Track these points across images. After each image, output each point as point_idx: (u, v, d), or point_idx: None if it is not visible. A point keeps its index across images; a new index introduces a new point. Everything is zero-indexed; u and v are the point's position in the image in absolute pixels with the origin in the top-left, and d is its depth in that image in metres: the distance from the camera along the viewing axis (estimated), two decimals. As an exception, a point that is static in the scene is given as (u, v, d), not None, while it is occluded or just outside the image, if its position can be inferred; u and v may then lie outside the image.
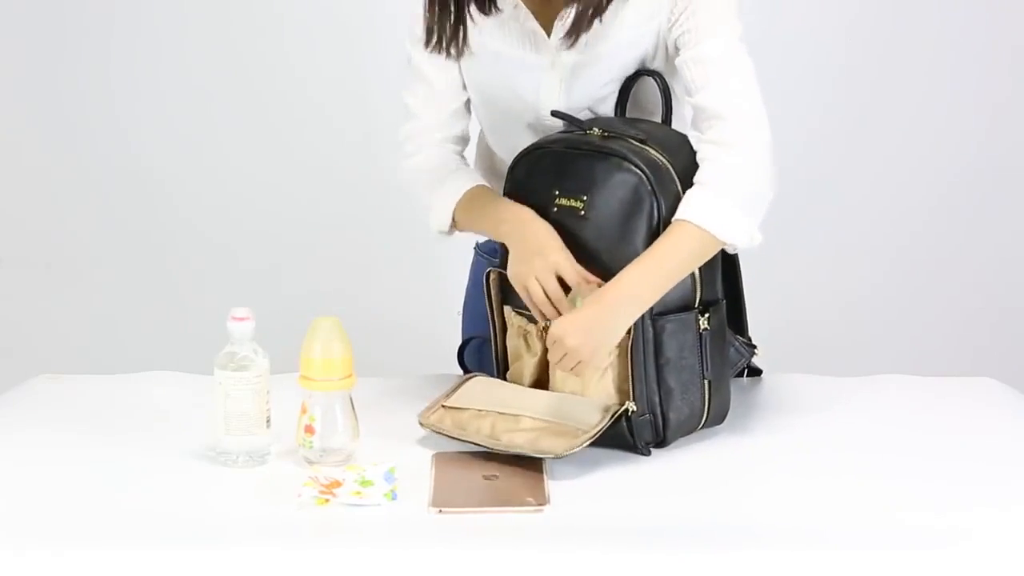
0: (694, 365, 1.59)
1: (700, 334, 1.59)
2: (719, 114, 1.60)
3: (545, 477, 1.49)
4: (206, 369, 1.90)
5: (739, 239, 1.57)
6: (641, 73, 1.69)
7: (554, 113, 1.68)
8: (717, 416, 1.64)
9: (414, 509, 1.42)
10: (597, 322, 1.52)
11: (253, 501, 1.46)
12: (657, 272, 1.54)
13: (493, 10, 1.68)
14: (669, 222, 1.56)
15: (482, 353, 1.78)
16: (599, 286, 1.54)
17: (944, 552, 1.33)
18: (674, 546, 1.34)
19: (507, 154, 1.81)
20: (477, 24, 1.70)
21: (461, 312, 2.01)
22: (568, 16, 1.64)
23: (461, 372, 1.89)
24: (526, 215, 1.62)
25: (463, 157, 1.83)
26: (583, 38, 1.65)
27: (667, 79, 1.69)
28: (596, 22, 1.63)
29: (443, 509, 1.42)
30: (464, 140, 1.83)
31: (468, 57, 1.73)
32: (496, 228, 1.67)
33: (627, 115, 1.72)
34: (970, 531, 1.37)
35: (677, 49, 1.66)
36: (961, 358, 3.12)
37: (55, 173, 3.37)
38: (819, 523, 1.39)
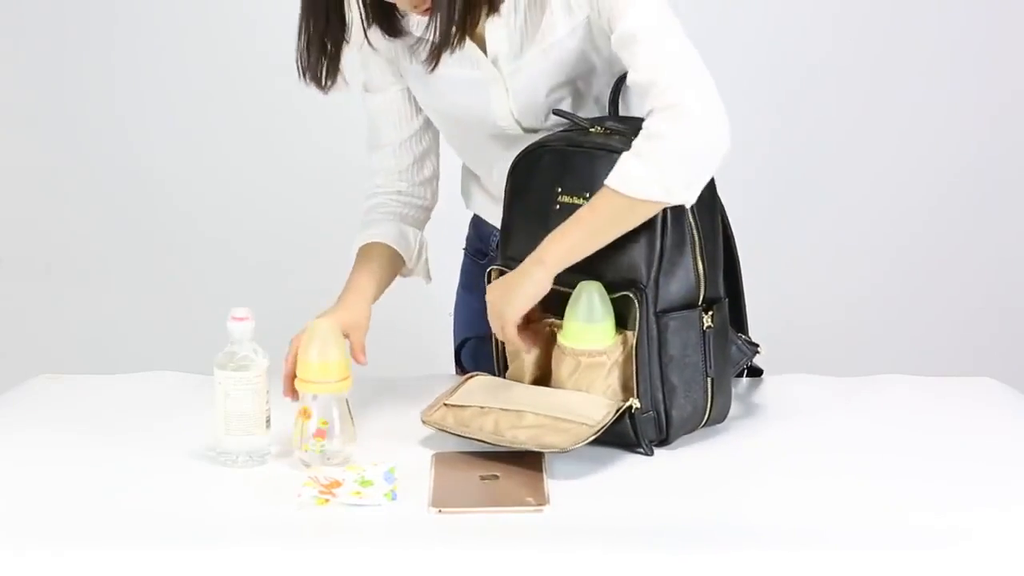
0: (697, 363, 1.59)
1: (704, 332, 1.59)
2: (652, 82, 1.56)
3: (545, 477, 1.49)
4: (206, 369, 1.90)
5: (656, 194, 1.53)
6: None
7: (556, 112, 1.68)
8: (719, 414, 1.63)
9: (414, 509, 1.42)
10: (508, 283, 1.60)
11: (253, 501, 1.46)
12: (568, 237, 1.56)
13: (402, 35, 1.70)
14: (669, 217, 1.56)
15: (479, 353, 1.78)
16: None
17: (945, 552, 1.33)
18: (675, 546, 1.34)
19: (477, 166, 1.85)
20: (404, 49, 1.73)
21: (453, 313, 2.02)
22: (497, 25, 1.66)
23: (456, 372, 1.89)
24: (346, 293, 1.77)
25: (418, 210, 1.87)
26: (517, 45, 1.67)
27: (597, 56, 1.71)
28: (528, 25, 1.66)
29: (443, 509, 1.41)
30: (425, 198, 1.88)
31: (412, 82, 1.77)
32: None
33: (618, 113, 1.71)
34: (970, 531, 1.37)
35: (612, 31, 1.63)
36: (961, 358, 3.12)
37: (55, 174, 3.37)
38: (819, 523, 1.39)
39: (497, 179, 1.77)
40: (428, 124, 1.84)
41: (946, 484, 1.50)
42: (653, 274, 1.56)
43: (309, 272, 3.36)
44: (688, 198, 1.55)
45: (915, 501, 1.45)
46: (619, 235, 1.56)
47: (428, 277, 1.90)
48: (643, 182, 1.52)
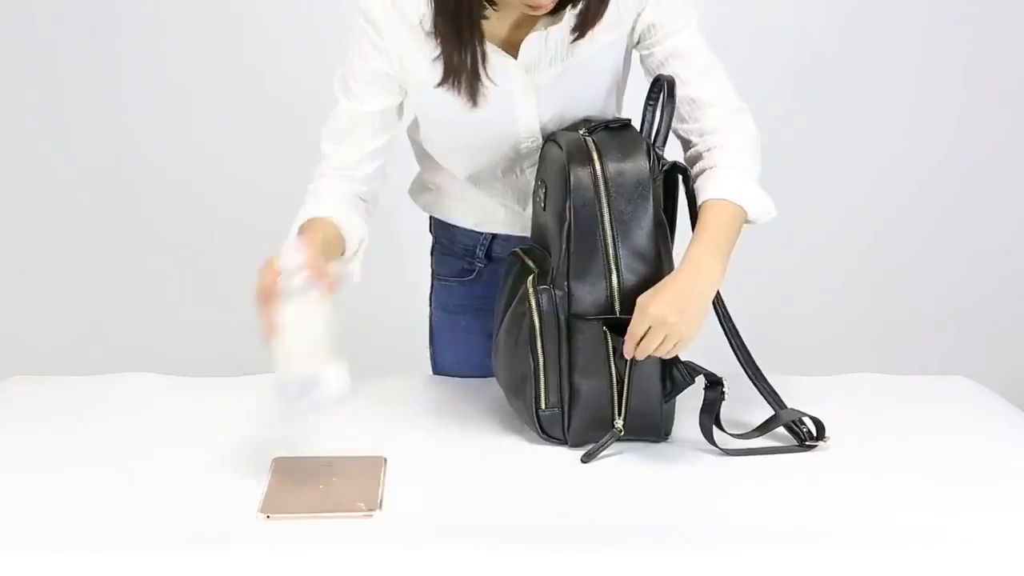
0: (608, 374, 1.59)
1: (611, 351, 1.58)
2: (712, 102, 1.68)
3: (381, 482, 1.49)
4: (183, 370, 1.90)
5: (762, 215, 1.64)
6: (661, 79, 1.66)
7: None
8: (637, 428, 1.61)
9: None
10: (686, 298, 1.50)
11: (224, 503, 1.46)
12: (719, 246, 1.56)
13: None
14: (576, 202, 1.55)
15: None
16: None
17: (922, 550, 1.34)
18: (654, 547, 1.34)
19: (465, 172, 1.81)
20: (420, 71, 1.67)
21: (429, 344, 2.01)
22: (537, 38, 1.63)
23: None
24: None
25: (362, 200, 1.78)
26: (551, 53, 1.65)
27: (624, 67, 1.74)
28: (568, 34, 1.63)
29: (271, 515, 1.42)
30: (370, 199, 1.78)
31: (422, 97, 1.71)
32: None
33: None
34: (946, 530, 1.38)
35: (639, 41, 1.69)
36: (934, 357, 3.14)
37: (31, 173, 3.35)
38: (793, 523, 1.40)
39: (500, 188, 1.79)
40: (394, 136, 1.78)
41: (921, 483, 1.51)
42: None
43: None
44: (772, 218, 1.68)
45: (891, 500, 1.46)
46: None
47: (358, 276, 1.78)
48: (758, 198, 1.64)
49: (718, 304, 1.64)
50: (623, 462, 1.56)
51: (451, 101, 1.66)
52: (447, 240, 1.95)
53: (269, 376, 1.86)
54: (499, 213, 1.86)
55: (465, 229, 1.91)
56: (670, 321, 1.48)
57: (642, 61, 1.72)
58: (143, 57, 3.27)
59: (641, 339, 1.50)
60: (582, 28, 1.62)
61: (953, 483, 1.51)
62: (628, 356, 1.52)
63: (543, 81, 1.67)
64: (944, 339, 3.40)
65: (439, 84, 1.64)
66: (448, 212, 1.92)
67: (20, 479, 1.53)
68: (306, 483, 1.49)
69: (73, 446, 1.63)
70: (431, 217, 1.97)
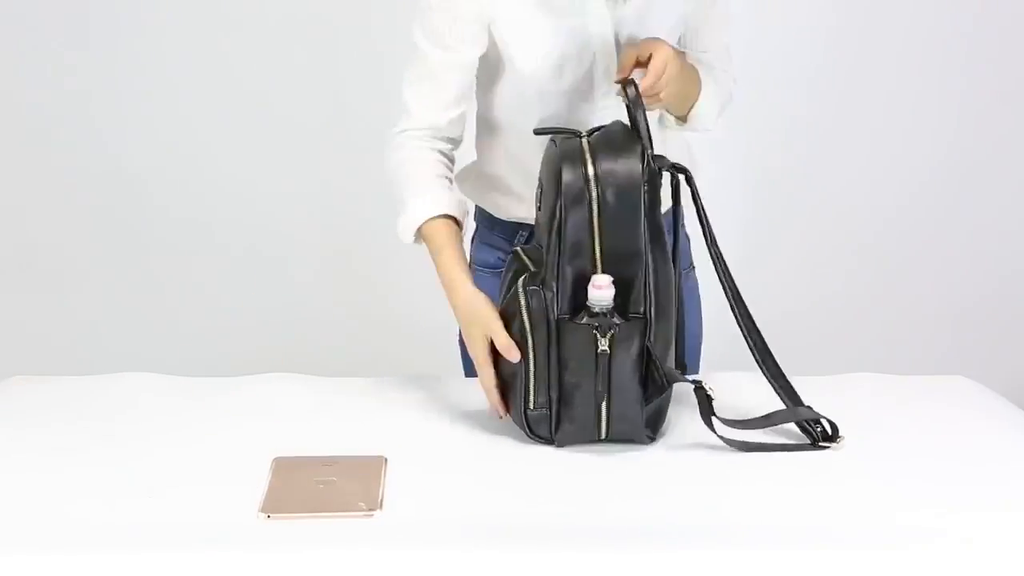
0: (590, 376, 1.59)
1: (597, 354, 1.58)
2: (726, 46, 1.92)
3: (381, 482, 1.49)
4: (182, 370, 1.90)
5: (702, 119, 1.84)
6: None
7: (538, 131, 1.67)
8: (619, 431, 1.61)
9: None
10: (684, 80, 1.70)
11: (224, 503, 1.46)
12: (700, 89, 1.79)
13: None
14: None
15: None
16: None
17: (922, 550, 1.34)
18: (654, 547, 1.34)
19: (525, 136, 1.74)
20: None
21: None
22: None
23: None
24: (459, 285, 1.68)
25: (450, 160, 1.82)
26: None
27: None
28: None
29: (272, 515, 1.42)
30: (457, 143, 1.82)
31: (508, 30, 1.71)
32: (442, 283, 1.71)
33: None
34: (946, 530, 1.38)
35: None
36: (934, 357, 3.14)
37: (30, 173, 3.35)
38: (792, 522, 1.40)
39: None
40: (473, 83, 1.80)
41: (922, 483, 1.51)
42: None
43: (291, 272, 3.38)
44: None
45: (890, 500, 1.46)
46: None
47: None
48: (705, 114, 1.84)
49: (736, 302, 1.66)
50: (623, 462, 1.56)
51: (535, 22, 1.70)
52: (487, 227, 1.94)
53: (269, 376, 1.87)
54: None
55: (504, 221, 1.91)
56: (671, 72, 1.64)
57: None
58: (142, 57, 3.27)
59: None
60: None
61: (953, 483, 1.51)
62: (645, 86, 1.62)
63: (622, 14, 1.71)
64: (944, 339, 3.40)
65: None
66: (493, 203, 1.92)
67: (20, 479, 1.53)
68: (306, 483, 1.49)
69: (73, 446, 1.63)
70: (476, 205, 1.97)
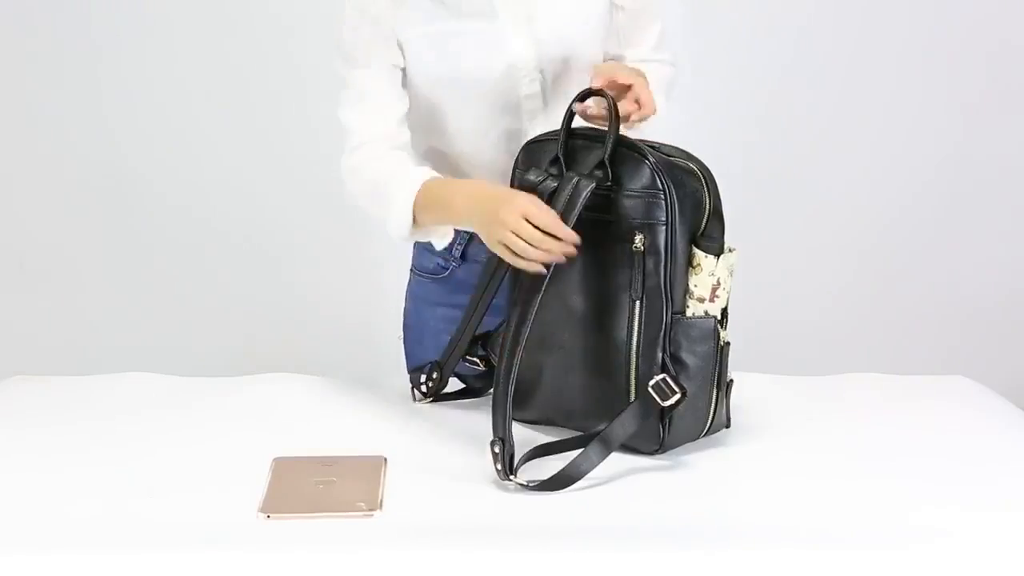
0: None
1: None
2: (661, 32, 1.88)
3: (381, 482, 1.49)
4: (184, 370, 1.90)
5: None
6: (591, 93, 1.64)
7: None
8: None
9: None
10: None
11: (224, 503, 1.46)
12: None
13: None
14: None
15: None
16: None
17: (924, 550, 1.33)
18: (654, 547, 1.34)
19: (476, 150, 1.79)
20: (414, 13, 1.70)
21: (402, 336, 1.99)
22: None
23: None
24: (479, 185, 1.65)
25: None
26: None
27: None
28: None
29: (271, 515, 1.42)
30: (408, 146, 1.80)
31: (417, 54, 1.72)
32: (455, 213, 1.65)
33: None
34: (946, 530, 1.38)
35: None
36: (934, 356, 3.14)
37: (28, 171, 3.35)
38: (795, 521, 1.40)
39: (496, 158, 1.77)
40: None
41: (922, 483, 1.51)
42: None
43: (292, 273, 3.37)
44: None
45: (890, 500, 1.46)
46: None
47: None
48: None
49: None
50: (622, 462, 1.56)
51: (444, 35, 1.70)
52: None
53: (269, 376, 1.87)
54: None
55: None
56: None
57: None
58: (143, 55, 3.27)
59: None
60: None
61: (953, 483, 1.51)
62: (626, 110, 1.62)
63: (533, 12, 1.70)
64: (944, 339, 3.40)
65: None
66: None
67: (20, 479, 1.53)
68: (306, 483, 1.49)
69: (73, 446, 1.63)
70: None
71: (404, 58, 1.74)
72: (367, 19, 1.71)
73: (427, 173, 1.70)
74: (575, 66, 1.75)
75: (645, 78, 1.65)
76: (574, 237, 1.51)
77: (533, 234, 1.51)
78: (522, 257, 1.52)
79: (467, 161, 1.81)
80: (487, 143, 1.79)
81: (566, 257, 1.51)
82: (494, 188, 1.62)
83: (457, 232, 1.87)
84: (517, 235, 1.51)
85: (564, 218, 1.52)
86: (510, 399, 1.51)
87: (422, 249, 1.95)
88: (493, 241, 1.56)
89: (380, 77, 1.75)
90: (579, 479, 1.48)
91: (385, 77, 1.75)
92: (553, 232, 1.50)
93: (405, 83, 1.77)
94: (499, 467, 1.48)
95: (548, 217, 1.51)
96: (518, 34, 1.71)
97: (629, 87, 1.62)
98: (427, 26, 1.71)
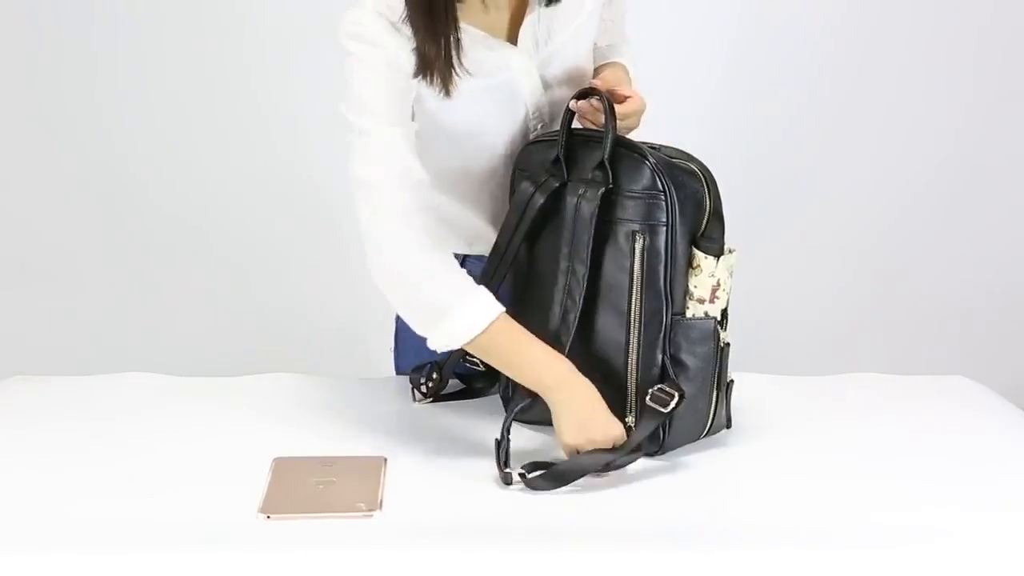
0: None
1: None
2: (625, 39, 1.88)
3: (381, 482, 1.49)
4: (183, 370, 1.90)
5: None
6: (588, 93, 1.63)
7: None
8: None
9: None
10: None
11: (224, 503, 1.46)
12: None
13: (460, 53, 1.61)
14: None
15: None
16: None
17: (923, 549, 1.34)
18: (654, 547, 1.34)
19: (475, 192, 1.75)
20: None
21: (393, 348, 1.96)
22: (532, 19, 1.65)
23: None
24: (566, 373, 1.54)
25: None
26: (545, 31, 1.67)
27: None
28: (558, 6, 1.68)
29: (271, 515, 1.42)
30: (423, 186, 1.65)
31: (433, 111, 1.64)
32: (538, 382, 1.55)
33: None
34: (947, 529, 1.38)
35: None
36: (933, 356, 3.14)
37: (28, 171, 3.35)
38: (795, 522, 1.40)
39: (489, 202, 1.75)
40: None
41: (920, 482, 1.51)
42: None
43: (291, 272, 3.37)
44: None
45: (889, 500, 1.46)
46: None
47: None
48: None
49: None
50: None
51: (461, 92, 1.63)
52: None
53: (269, 376, 1.87)
54: (481, 231, 1.79)
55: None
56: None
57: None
58: (143, 59, 3.27)
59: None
60: None
61: (953, 482, 1.51)
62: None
63: (543, 59, 1.69)
64: (944, 339, 3.40)
65: (415, 76, 1.60)
66: None
67: (20, 479, 1.53)
68: (306, 483, 1.49)
69: (73, 446, 1.63)
70: None
71: (419, 111, 1.65)
72: (386, 73, 1.60)
73: (492, 306, 1.55)
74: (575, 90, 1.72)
75: (638, 95, 1.65)
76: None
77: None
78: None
79: (469, 189, 1.77)
80: (494, 182, 1.75)
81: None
82: (582, 390, 1.54)
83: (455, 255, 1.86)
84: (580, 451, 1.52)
85: (574, 238, 1.56)
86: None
87: None
88: (570, 448, 1.53)
89: (397, 133, 1.60)
90: (578, 478, 1.49)
91: (401, 133, 1.60)
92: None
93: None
94: (499, 457, 1.51)
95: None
96: (532, 87, 1.69)
97: (627, 98, 1.63)
98: (461, 83, 1.64)
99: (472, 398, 1.79)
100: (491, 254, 1.64)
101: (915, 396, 1.83)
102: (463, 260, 1.81)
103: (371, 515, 1.42)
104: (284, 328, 3.31)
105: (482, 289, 1.57)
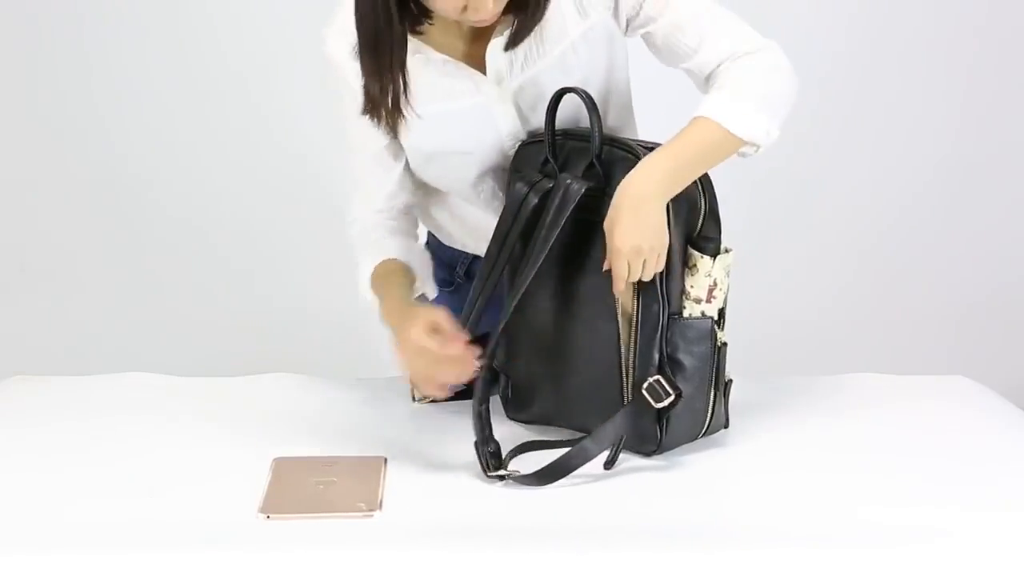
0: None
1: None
2: (731, 54, 1.63)
3: (381, 482, 1.49)
4: (183, 370, 1.90)
5: (755, 134, 1.58)
6: (567, 91, 1.61)
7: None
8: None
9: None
10: (640, 214, 1.49)
11: (224, 503, 1.46)
12: (672, 151, 1.52)
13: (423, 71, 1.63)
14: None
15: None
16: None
17: (920, 549, 1.34)
18: (653, 547, 1.34)
19: (466, 199, 1.76)
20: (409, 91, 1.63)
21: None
22: (498, 44, 1.61)
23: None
24: (392, 303, 1.65)
25: (403, 217, 1.79)
26: (521, 58, 1.63)
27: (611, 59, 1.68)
28: (535, 34, 1.61)
29: (271, 515, 1.42)
30: (409, 205, 1.79)
31: (408, 127, 1.66)
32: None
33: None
34: (946, 529, 1.38)
35: (632, 25, 1.65)
36: (934, 356, 3.14)
37: (28, 174, 3.35)
38: (795, 521, 1.40)
39: (493, 201, 1.75)
40: (406, 167, 1.75)
41: (922, 482, 1.51)
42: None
43: (291, 272, 3.37)
44: (773, 140, 1.60)
45: (890, 499, 1.46)
46: (700, 174, 1.55)
47: (433, 290, 1.82)
48: (747, 117, 1.57)
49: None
50: (621, 462, 1.56)
51: (433, 116, 1.65)
52: (435, 246, 1.91)
53: (269, 376, 1.87)
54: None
55: (450, 247, 1.89)
56: (645, 248, 1.49)
57: (648, 44, 1.68)
58: (143, 59, 3.27)
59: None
60: (528, 27, 1.59)
61: (953, 482, 1.51)
62: (621, 293, 1.53)
63: (516, 87, 1.64)
64: (944, 339, 3.40)
65: (363, 113, 1.63)
66: (437, 229, 1.90)
67: (20, 479, 1.53)
68: (306, 483, 1.49)
69: (73, 446, 1.63)
70: None
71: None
72: (351, 104, 1.65)
73: (383, 252, 1.73)
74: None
75: (624, 251, 1.51)
76: (470, 357, 1.52)
77: (426, 369, 1.54)
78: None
79: (470, 192, 1.77)
80: (479, 200, 1.75)
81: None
82: (397, 315, 1.61)
83: (460, 252, 1.87)
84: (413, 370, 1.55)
85: (555, 221, 1.53)
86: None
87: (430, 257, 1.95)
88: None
89: (375, 153, 1.72)
90: (567, 474, 1.49)
91: (380, 150, 1.72)
92: (446, 355, 1.51)
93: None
94: (483, 462, 1.52)
95: (437, 343, 1.52)
96: (505, 113, 1.66)
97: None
98: (422, 107, 1.64)
99: (472, 398, 1.79)
100: (486, 255, 1.63)
101: (915, 396, 1.83)
102: (473, 260, 1.86)
103: (371, 515, 1.42)
104: (284, 328, 3.31)
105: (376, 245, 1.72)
